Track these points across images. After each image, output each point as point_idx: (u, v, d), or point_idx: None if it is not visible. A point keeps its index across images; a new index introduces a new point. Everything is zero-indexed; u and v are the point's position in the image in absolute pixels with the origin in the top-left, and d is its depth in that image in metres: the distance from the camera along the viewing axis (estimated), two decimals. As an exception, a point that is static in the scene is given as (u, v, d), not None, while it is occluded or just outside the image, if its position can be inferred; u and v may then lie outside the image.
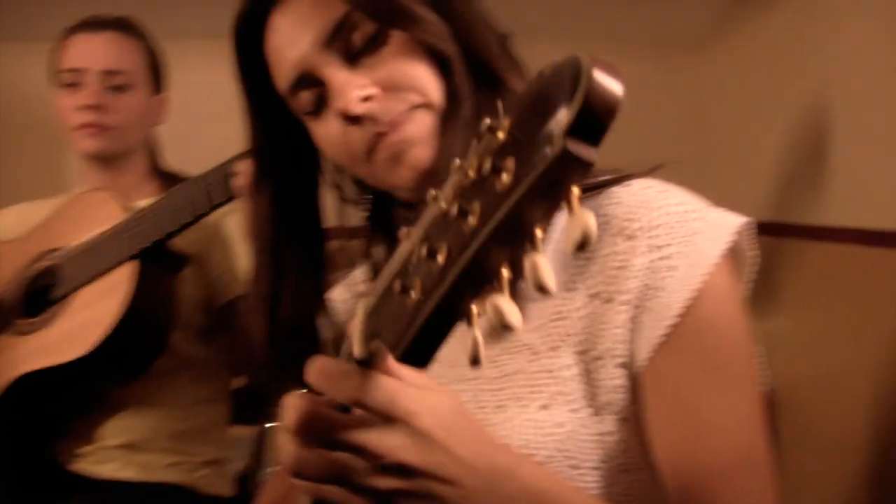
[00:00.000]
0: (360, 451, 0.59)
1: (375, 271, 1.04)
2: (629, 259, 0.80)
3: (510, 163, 0.41)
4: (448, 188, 0.47)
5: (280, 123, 0.95)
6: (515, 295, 0.45)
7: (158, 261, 1.57)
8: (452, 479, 0.62)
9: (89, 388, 1.63)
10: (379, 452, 0.59)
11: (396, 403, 0.59)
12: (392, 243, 1.03)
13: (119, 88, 1.74)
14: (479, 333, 0.46)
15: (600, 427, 0.81)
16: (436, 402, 0.62)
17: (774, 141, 2.49)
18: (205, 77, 2.35)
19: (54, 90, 1.76)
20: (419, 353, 0.48)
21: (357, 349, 0.56)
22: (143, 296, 1.52)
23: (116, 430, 1.68)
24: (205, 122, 2.51)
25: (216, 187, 1.48)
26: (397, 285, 0.50)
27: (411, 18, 0.84)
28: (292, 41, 0.87)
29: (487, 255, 0.44)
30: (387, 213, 1.01)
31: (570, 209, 0.40)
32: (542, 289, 0.42)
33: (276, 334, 0.97)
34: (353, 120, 0.85)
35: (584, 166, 0.39)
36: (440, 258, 0.45)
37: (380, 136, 0.85)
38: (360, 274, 1.10)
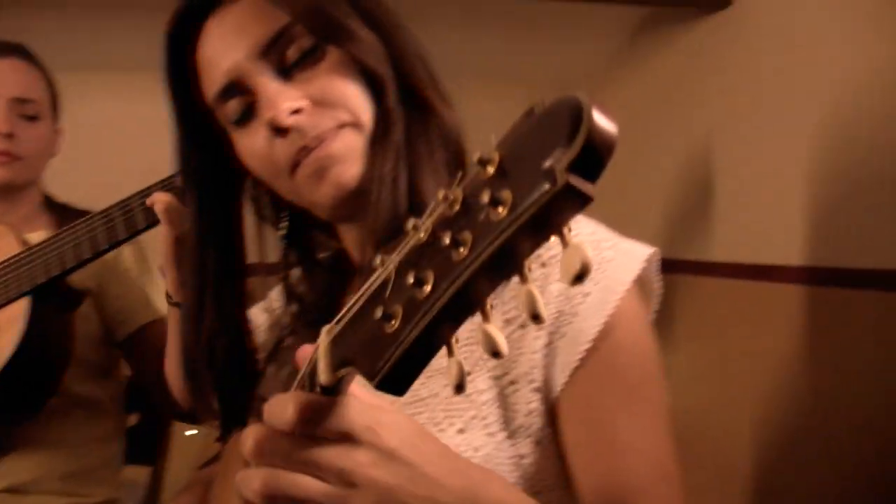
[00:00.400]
0: (328, 470, 0.59)
1: (292, 293, 1.03)
2: (544, 285, 0.83)
3: (506, 195, 0.42)
4: (429, 218, 0.48)
5: (204, 135, 0.94)
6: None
7: (54, 297, 1.52)
8: (426, 497, 0.62)
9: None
10: (348, 468, 0.59)
11: (359, 423, 0.59)
12: (309, 266, 1.04)
13: (29, 117, 1.68)
14: (462, 361, 0.47)
15: (516, 450, 0.83)
16: (398, 421, 0.63)
17: (663, 181, 2.59)
18: (96, 110, 2.31)
19: None
20: (399, 381, 0.49)
21: (323, 376, 0.56)
22: (37, 334, 1.46)
23: (1, 473, 1.61)
24: (94, 155, 2.46)
25: (118, 224, 1.45)
26: (374, 312, 0.50)
27: (349, 36, 0.85)
28: (226, 48, 0.86)
29: (476, 285, 0.45)
30: (304, 234, 1.02)
31: (566, 242, 0.42)
32: (536, 317, 0.43)
33: (200, 347, 0.96)
34: (280, 132, 0.85)
35: (585, 201, 0.41)
36: (427, 287, 0.46)
37: (305, 150, 0.85)
38: (276, 296, 1.09)
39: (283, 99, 0.84)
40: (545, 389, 0.83)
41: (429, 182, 0.84)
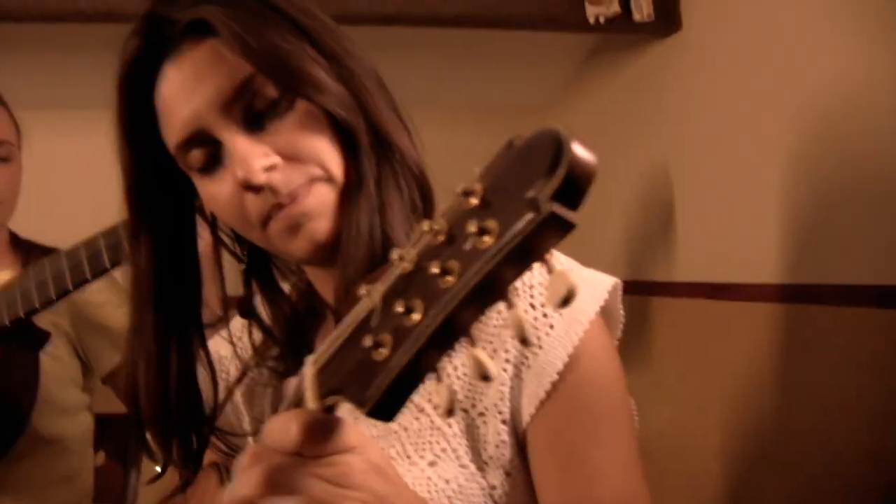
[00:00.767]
0: (325, 475, 0.59)
1: (260, 326, 1.03)
2: (508, 321, 0.84)
3: (492, 225, 0.44)
4: (413, 249, 0.50)
5: (159, 172, 0.90)
6: None
7: (20, 337, 1.50)
8: None
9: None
10: (345, 471, 0.60)
11: (354, 439, 0.61)
12: (273, 298, 1.03)
13: (2, 159, 1.67)
14: (453, 386, 0.49)
15: (487, 481, 0.84)
16: (377, 446, 0.65)
17: (624, 204, 2.62)
18: (56, 147, 2.29)
19: None
20: (389, 407, 0.50)
21: (311, 405, 0.57)
22: (2, 374, 1.45)
23: (-38, 515, 1.59)
24: (56, 192, 2.45)
25: (84, 263, 1.44)
26: (362, 341, 0.51)
27: (316, 87, 0.82)
28: (187, 96, 0.83)
29: (464, 312, 0.46)
30: (266, 266, 1.01)
31: (550, 268, 0.44)
32: (524, 341, 0.45)
33: (166, 389, 0.93)
34: (252, 189, 0.83)
35: (567, 228, 0.43)
36: (416, 315, 0.48)
37: (278, 206, 0.83)
38: (238, 326, 1.09)
39: (255, 157, 0.81)
40: (513, 421, 0.84)
41: (401, 225, 0.83)
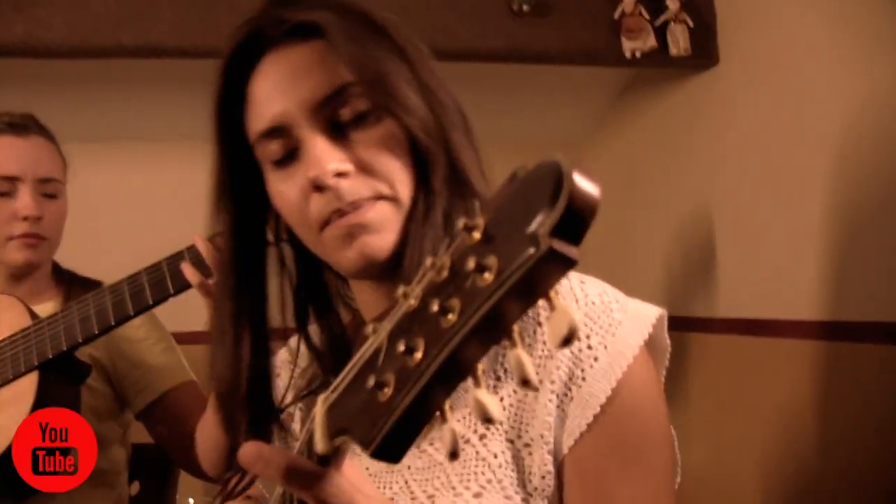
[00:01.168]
0: None
1: (314, 351, 1.02)
2: (555, 349, 0.82)
3: (492, 261, 0.43)
4: (418, 286, 0.49)
5: (242, 162, 0.92)
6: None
7: (62, 371, 1.51)
8: None
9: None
10: None
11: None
12: (327, 325, 1.02)
13: (51, 197, 1.69)
14: (455, 427, 0.47)
15: None
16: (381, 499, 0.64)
17: (663, 239, 2.60)
18: (99, 180, 2.33)
19: None
20: (393, 448, 0.49)
21: (320, 445, 0.56)
22: (45, 408, 1.46)
23: (8, 546, 1.59)
24: (98, 223, 2.48)
25: (126, 299, 1.46)
26: (367, 381, 0.50)
27: (406, 109, 0.84)
28: (283, 90, 0.86)
29: (466, 351, 0.45)
30: (318, 280, 1.01)
31: (553, 305, 0.42)
32: (526, 383, 0.43)
33: (237, 371, 0.94)
34: (318, 189, 0.84)
35: (568, 264, 0.41)
36: (417, 354, 0.46)
37: (338, 213, 0.84)
38: (293, 344, 1.09)
39: (330, 160, 0.83)
40: (555, 451, 0.83)
41: None
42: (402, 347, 0.47)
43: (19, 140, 1.67)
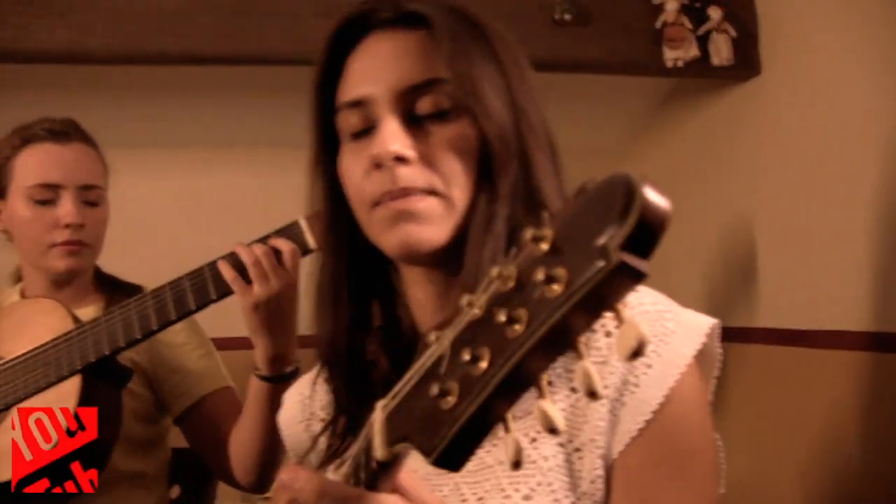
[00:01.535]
0: None
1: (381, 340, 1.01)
2: (609, 355, 0.83)
3: (561, 273, 0.43)
4: (483, 295, 0.49)
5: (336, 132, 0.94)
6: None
7: (105, 375, 1.53)
8: None
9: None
10: None
11: None
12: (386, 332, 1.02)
13: (93, 203, 1.71)
14: (519, 437, 0.47)
15: None
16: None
17: (704, 249, 2.59)
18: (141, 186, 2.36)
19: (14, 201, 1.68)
20: (455, 457, 0.49)
21: (379, 452, 0.56)
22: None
23: (48, 548, 1.61)
24: (139, 229, 2.51)
25: (168, 304, 1.48)
26: (430, 389, 0.50)
27: (486, 113, 0.85)
28: (377, 68, 0.89)
29: (531, 362, 0.45)
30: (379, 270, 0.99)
31: (621, 319, 0.43)
32: (592, 394, 0.44)
33: (336, 338, 0.96)
34: (378, 167, 0.86)
35: (638, 278, 0.41)
36: (483, 363, 0.47)
37: (388, 194, 0.86)
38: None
39: (395, 141, 0.85)
40: (606, 456, 0.83)
41: None
42: (466, 356, 0.48)
43: (61, 147, 1.68)
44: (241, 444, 1.64)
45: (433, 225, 0.86)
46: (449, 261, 0.88)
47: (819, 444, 1.93)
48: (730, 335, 2.36)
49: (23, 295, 1.77)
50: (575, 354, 0.45)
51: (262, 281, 1.45)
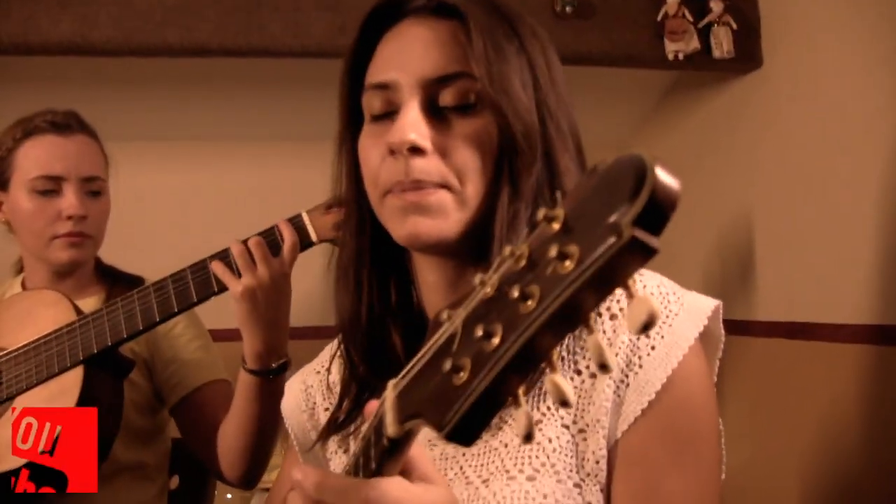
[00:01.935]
0: None
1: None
2: (614, 337, 0.85)
3: (573, 249, 0.44)
4: (495, 274, 0.50)
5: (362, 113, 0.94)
6: None
7: (107, 366, 1.54)
8: None
9: (23, 499, 1.53)
10: None
11: None
12: (403, 286, 1.02)
13: (95, 195, 1.72)
14: (530, 411, 0.48)
15: (583, 498, 0.83)
16: (434, 497, 0.65)
17: (703, 240, 2.59)
18: (141, 178, 2.36)
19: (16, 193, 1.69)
20: (467, 431, 0.50)
21: (391, 429, 0.58)
22: (89, 403, 1.48)
23: (48, 539, 1.61)
24: (139, 221, 2.51)
25: (171, 296, 1.49)
26: (442, 365, 0.52)
27: (514, 110, 0.85)
28: (404, 55, 0.89)
29: (544, 337, 0.46)
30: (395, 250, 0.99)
31: (632, 293, 0.44)
32: (604, 367, 0.45)
33: (357, 310, 0.96)
34: (392, 153, 0.86)
35: (649, 253, 0.42)
36: (495, 339, 0.48)
37: (399, 184, 0.86)
38: (326, 356, 1.10)
39: (413, 131, 0.85)
40: (609, 437, 0.85)
41: None
42: (479, 333, 0.49)
43: (62, 139, 1.69)
44: (228, 437, 1.64)
45: (443, 219, 0.86)
46: (460, 251, 0.89)
47: (819, 438, 1.93)
48: (729, 328, 2.37)
49: (24, 286, 1.78)
50: (585, 330, 0.46)
51: (248, 270, 1.46)
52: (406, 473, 0.65)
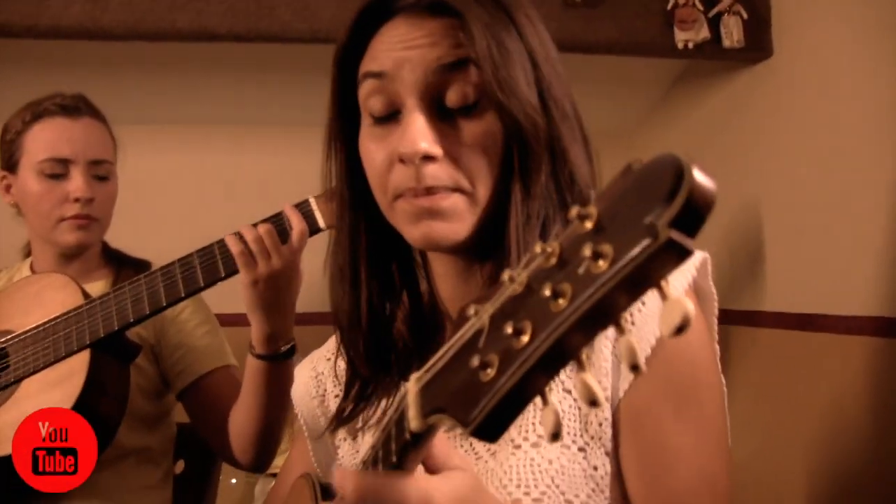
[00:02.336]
0: None
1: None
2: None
3: (607, 249, 0.44)
4: (524, 271, 0.50)
5: (354, 109, 0.93)
6: None
7: (113, 350, 1.54)
8: None
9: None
10: None
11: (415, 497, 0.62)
12: (409, 278, 1.02)
13: (102, 178, 1.72)
14: (559, 409, 0.48)
15: (588, 462, 0.84)
16: (455, 485, 0.65)
17: (711, 230, 2.59)
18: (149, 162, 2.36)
19: (24, 176, 1.69)
20: (493, 428, 0.50)
21: (414, 423, 0.57)
22: (95, 387, 1.48)
23: (52, 523, 1.61)
24: (147, 205, 2.51)
25: (178, 281, 1.49)
26: (469, 361, 0.51)
27: (522, 109, 0.84)
28: (401, 44, 0.86)
29: (574, 336, 0.46)
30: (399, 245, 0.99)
31: (665, 295, 0.43)
32: (635, 368, 0.45)
33: (357, 307, 0.96)
34: (401, 160, 0.85)
35: (684, 255, 0.42)
36: (524, 337, 0.47)
37: (411, 191, 0.85)
38: (334, 344, 1.10)
39: (423, 140, 0.83)
40: (612, 398, 0.85)
41: None
42: (508, 329, 0.49)
43: (71, 122, 1.69)
44: (239, 422, 1.65)
45: (457, 222, 0.86)
46: (470, 248, 0.89)
47: (826, 429, 1.94)
48: (737, 318, 2.39)
49: (33, 270, 1.78)
50: (617, 330, 0.46)
51: (264, 257, 1.46)
52: (430, 466, 0.66)
